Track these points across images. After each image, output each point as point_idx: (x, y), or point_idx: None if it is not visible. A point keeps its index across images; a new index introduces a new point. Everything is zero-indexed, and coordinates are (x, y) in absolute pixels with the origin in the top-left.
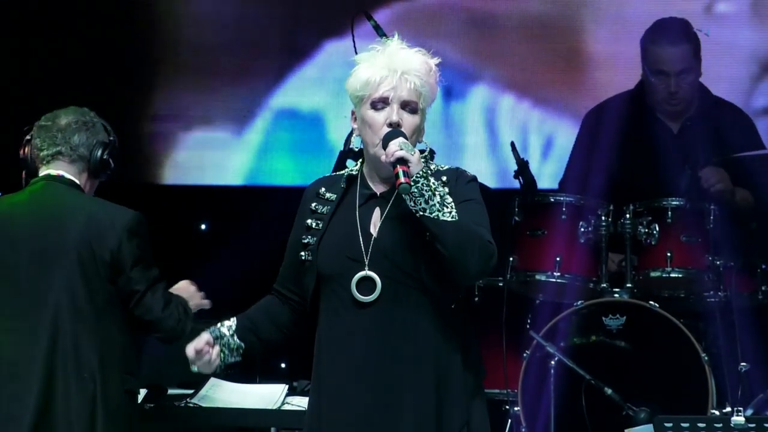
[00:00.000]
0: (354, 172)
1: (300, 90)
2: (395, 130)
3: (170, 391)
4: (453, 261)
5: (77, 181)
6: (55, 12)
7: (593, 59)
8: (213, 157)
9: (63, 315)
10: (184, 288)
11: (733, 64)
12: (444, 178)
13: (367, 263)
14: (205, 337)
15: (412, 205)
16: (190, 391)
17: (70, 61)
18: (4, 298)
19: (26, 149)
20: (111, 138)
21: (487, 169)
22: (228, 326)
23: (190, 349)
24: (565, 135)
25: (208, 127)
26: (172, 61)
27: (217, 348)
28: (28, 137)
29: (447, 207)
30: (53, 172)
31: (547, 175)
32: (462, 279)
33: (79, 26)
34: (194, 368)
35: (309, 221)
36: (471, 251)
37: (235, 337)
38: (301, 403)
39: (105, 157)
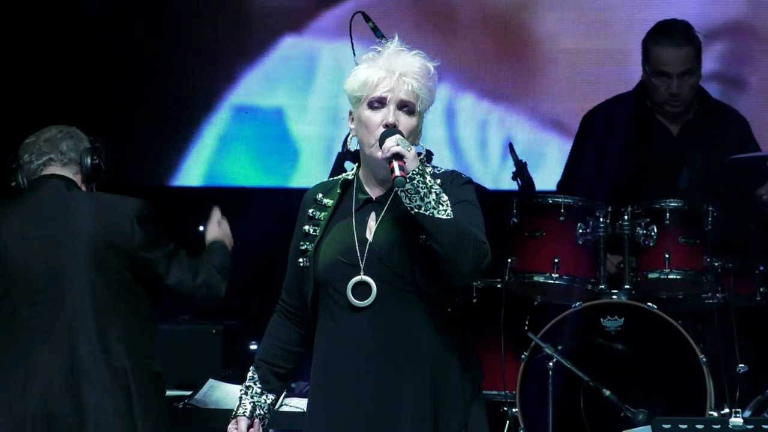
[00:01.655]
0: (350, 177)
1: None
2: (391, 129)
3: (169, 393)
4: (447, 259)
5: (74, 180)
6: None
7: (552, 54)
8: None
9: (83, 310)
10: (214, 229)
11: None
12: (439, 181)
13: (362, 268)
14: (243, 425)
15: (408, 202)
16: (189, 393)
17: (54, 64)
18: (25, 300)
19: (17, 174)
20: (97, 144)
21: (448, 165)
22: (251, 389)
23: None
24: (525, 133)
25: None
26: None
27: (257, 421)
28: (14, 165)
29: (442, 205)
30: (49, 173)
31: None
32: (455, 278)
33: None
34: None
35: (306, 227)
36: (465, 250)
37: (266, 395)
38: (299, 404)
39: (96, 160)
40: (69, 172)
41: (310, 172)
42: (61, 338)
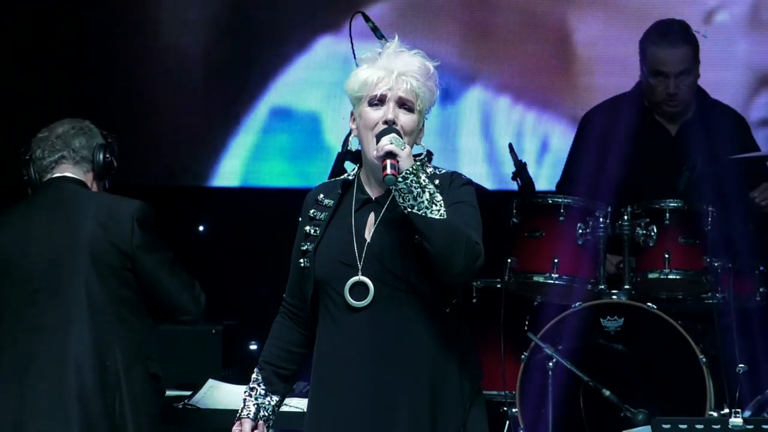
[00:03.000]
0: (350, 177)
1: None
2: (389, 127)
3: (168, 393)
4: (438, 259)
5: (83, 180)
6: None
7: (588, 61)
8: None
9: (81, 310)
10: None
11: (730, 75)
12: (437, 182)
13: (360, 268)
14: (247, 426)
15: (401, 201)
16: (188, 393)
17: (63, 62)
18: (25, 300)
19: (29, 167)
20: (110, 140)
21: (482, 172)
22: (255, 391)
23: None
24: (560, 137)
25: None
26: (162, 62)
27: (261, 423)
28: (27, 157)
29: (436, 205)
30: (59, 174)
31: (544, 177)
32: (447, 278)
33: (67, 30)
34: None
35: (308, 228)
36: (457, 250)
37: (269, 397)
38: (299, 404)
39: (108, 157)
40: (80, 170)
41: None
42: (60, 337)
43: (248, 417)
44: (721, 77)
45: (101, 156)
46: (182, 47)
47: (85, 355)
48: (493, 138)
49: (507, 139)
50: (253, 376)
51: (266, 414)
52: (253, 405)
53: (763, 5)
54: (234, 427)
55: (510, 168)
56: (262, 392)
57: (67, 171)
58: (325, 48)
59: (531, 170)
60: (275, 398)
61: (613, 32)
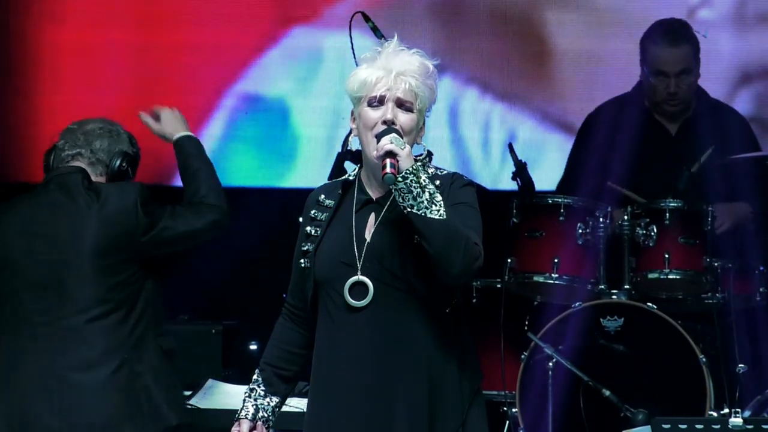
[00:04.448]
0: (351, 178)
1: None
2: (389, 127)
3: None
4: (437, 259)
5: (89, 172)
6: None
7: (558, 54)
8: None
9: (88, 304)
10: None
11: (712, 71)
12: (438, 182)
13: (359, 268)
14: (245, 426)
15: (401, 201)
16: (188, 393)
17: None
18: (29, 296)
19: (50, 155)
20: (134, 150)
21: (451, 165)
22: (256, 392)
23: None
24: (528, 131)
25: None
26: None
27: (260, 424)
28: (54, 143)
29: (435, 205)
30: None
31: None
32: (445, 278)
33: None
34: None
35: (308, 228)
36: (456, 251)
37: (269, 398)
38: (299, 404)
39: (124, 166)
40: (93, 172)
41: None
42: (64, 335)
43: (246, 418)
44: (703, 73)
45: (117, 163)
46: None
47: (101, 346)
48: (458, 128)
49: (474, 129)
50: (254, 377)
51: (265, 415)
52: (252, 406)
53: (747, 2)
54: (233, 428)
55: (473, 158)
56: (262, 393)
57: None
58: (297, 38)
59: (498, 161)
60: (275, 399)
61: (585, 26)
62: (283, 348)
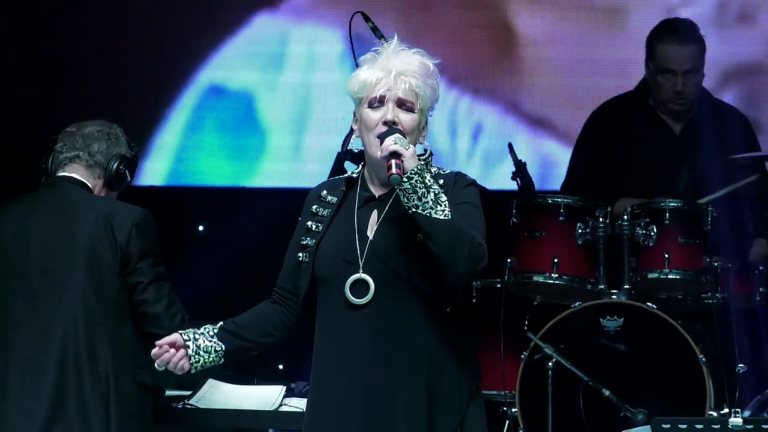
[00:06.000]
0: (354, 176)
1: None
2: (391, 128)
3: (168, 393)
4: (442, 259)
5: (88, 184)
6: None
7: (526, 42)
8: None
9: (75, 311)
10: None
11: None
12: (441, 182)
13: (361, 265)
14: (173, 337)
15: (405, 201)
16: (188, 393)
17: None
18: (17, 296)
19: (48, 157)
20: (132, 153)
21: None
22: (205, 328)
23: (155, 348)
24: (494, 123)
25: None
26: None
27: (182, 351)
28: (51, 145)
29: (440, 205)
30: (66, 174)
31: (479, 155)
32: (450, 278)
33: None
34: (160, 367)
35: (309, 223)
36: (460, 251)
37: (215, 339)
38: (299, 404)
39: (121, 169)
40: (91, 175)
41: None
42: (51, 339)
43: (177, 333)
44: None
45: (115, 166)
46: None
47: (77, 359)
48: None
49: (441, 121)
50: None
51: (200, 345)
52: (189, 332)
53: (727, 1)
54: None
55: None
56: (206, 330)
57: (77, 172)
58: (261, 25)
59: (466, 152)
60: (218, 343)
61: (555, 20)
62: (255, 316)
